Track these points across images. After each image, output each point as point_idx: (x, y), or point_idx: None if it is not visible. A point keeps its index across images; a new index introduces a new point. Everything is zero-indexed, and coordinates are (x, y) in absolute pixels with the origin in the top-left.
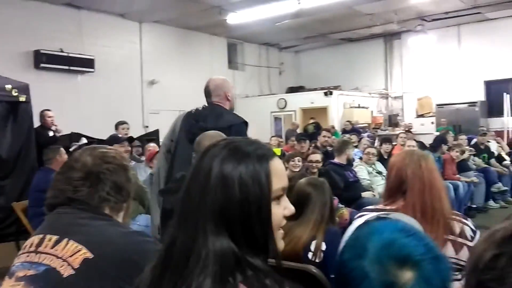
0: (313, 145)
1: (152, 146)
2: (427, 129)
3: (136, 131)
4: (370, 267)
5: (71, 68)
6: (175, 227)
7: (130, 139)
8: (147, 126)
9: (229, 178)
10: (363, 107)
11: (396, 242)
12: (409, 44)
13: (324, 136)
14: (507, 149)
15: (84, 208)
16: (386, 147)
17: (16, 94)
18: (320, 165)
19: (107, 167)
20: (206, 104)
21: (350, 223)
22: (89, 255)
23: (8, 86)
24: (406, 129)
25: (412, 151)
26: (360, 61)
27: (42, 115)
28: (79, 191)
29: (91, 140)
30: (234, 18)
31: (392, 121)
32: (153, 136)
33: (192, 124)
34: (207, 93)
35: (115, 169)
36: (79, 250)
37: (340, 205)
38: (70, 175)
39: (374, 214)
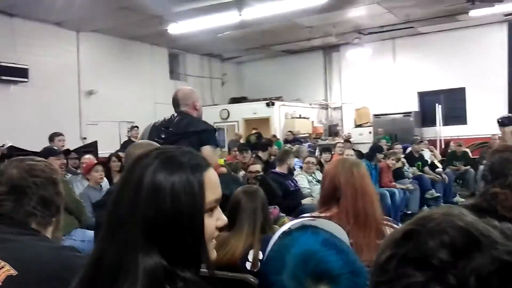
0: (254, 155)
1: (87, 158)
2: (365, 139)
3: (73, 143)
4: (288, 282)
5: (3, 77)
6: (103, 241)
7: (67, 152)
8: (85, 138)
9: (161, 189)
10: (304, 118)
11: (315, 256)
12: (347, 57)
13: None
14: (439, 157)
15: (8, 222)
16: (326, 156)
17: None
18: (259, 175)
19: (33, 181)
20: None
21: None
22: (13, 272)
23: None
24: (345, 139)
25: (344, 159)
26: (301, 72)
27: None
28: (3, 205)
29: (25, 153)
30: (175, 28)
31: (332, 130)
32: (90, 148)
33: (161, 131)
34: (175, 102)
35: (43, 183)
36: (2, 267)
37: (282, 214)
38: None
39: (297, 221)
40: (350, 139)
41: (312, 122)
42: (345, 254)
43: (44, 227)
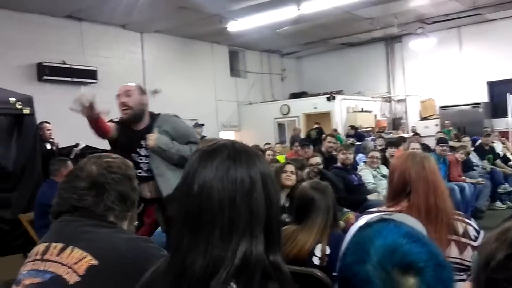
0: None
1: None
2: (431, 132)
3: None
4: (374, 272)
5: (74, 79)
6: (190, 235)
7: None
8: None
9: (268, 179)
10: (366, 111)
11: (400, 248)
12: (410, 47)
13: (329, 142)
14: None
15: (88, 215)
16: (391, 151)
17: (20, 106)
18: (320, 167)
19: (112, 177)
20: None
21: None
22: (94, 262)
23: (12, 99)
24: (413, 132)
25: (414, 153)
26: (361, 65)
27: (41, 128)
28: (84, 200)
29: (94, 150)
30: (234, 26)
31: (396, 124)
32: None
33: None
34: None
35: (120, 179)
36: (84, 257)
37: (346, 209)
38: (75, 184)
39: (376, 215)
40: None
41: (375, 115)
42: (429, 247)
43: (121, 221)
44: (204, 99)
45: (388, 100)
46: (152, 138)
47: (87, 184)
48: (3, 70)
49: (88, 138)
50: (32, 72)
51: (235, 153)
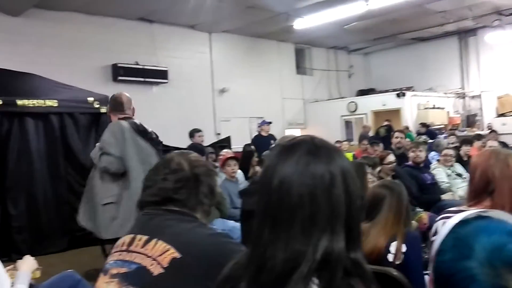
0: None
1: (225, 152)
2: (509, 129)
3: (208, 139)
4: (480, 269)
5: (146, 79)
6: (270, 228)
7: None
8: (219, 133)
9: (349, 174)
10: (438, 108)
11: (507, 246)
12: (486, 41)
13: (396, 137)
14: None
15: (172, 210)
16: (466, 149)
17: (97, 106)
18: (394, 165)
19: (203, 171)
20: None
21: (429, 227)
22: (177, 254)
23: (90, 99)
24: (489, 129)
25: (497, 150)
26: (433, 60)
27: None
28: (180, 192)
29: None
30: (301, 24)
31: (471, 121)
32: (225, 142)
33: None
34: (119, 106)
35: (209, 173)
36: (167, 250)
37: (418, 209)
38: (171, 176)
39: (472, 212)
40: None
41: (448, 112)
42: None
43: (206, 215)
44: (270, 98)
45: (462, 96)
46: None
47: (182, 176)
48: (82, 72)
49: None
50: (108, 73)
51: (315, 148)
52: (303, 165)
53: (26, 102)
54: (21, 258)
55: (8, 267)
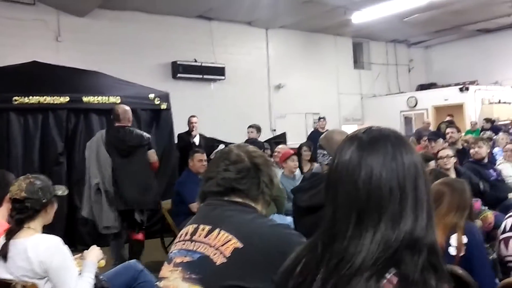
0: (446, 144)
1: (281, 147)
2: None
3: (264, 135)
4: None
5: (205, 76)
6: (356, 223)
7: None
8: (274, 130)
9: (418, 166)
10: (504, 103)
11: None
12: None
13: (447, 133)
14: None
15: (233, 201)
16: None
17: (158, 102)
18: (451, 160)
19: (262, 161)
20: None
21: (494, 227)
22: (239, 244)
23: (151, 95)
24: None
25: None
26: (499, 52)
27: (189, 121)
28: (242, 182)
29: (226, 144)
30: (359, 17)
31: None
32: (280, 139)
33: (119, 141)
34: (116, 116)
35: (267, 163)
36: (229, 240)
37: (483, 207)
38: (232, 166)
39: None
40: None
41: None
42: None
43: (267, 205)
44: (327, 93)
45: None
46: None
47: (244, 165)
48: (143, 69)
49: (216, 130)
50: (167, 70)
51: (397, 140)
52: (390, 158)
53: (91, 99)
54: (86, 249)
55: (76, 256)
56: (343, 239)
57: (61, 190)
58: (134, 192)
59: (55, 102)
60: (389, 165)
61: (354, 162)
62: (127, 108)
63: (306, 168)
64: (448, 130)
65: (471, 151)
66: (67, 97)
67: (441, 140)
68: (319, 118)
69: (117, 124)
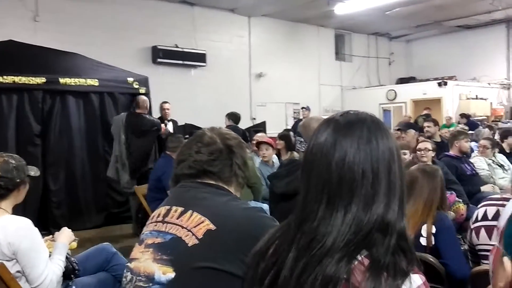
0: (420, 137)
1: (259, 136)
2: None
3: (244, 123)
4: None
5: (185, 62)
6: (327, 203)
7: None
8: (254, 118)
9: (395, 151)
10: (481, 99)
11: None
12: None
13: (424, 127)
14: None
15: (207, 183)
16: (510, 140)
17: (137, 86)
18: (429, 153)
19: (235, 143)
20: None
21: (466, 219)
22: (212, 226)
23: (130, 79)
24: None
25: None
26: (478, 49)
27: (161, 107)
28: (214, 164)
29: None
30: (342, 8)
31: None
32: (260, 127)
33: (135, 125)
34: (137, 104)
35: (240, 145)
36: (202, 222)
37: (457, 199)
38: (204, 148)
39: None
40: None
41: (491, 103)
42: None
43: (240, 189)
44: (308, 83)
45: (507, 87)
46: None
47: (216, 147)
48: (123, 52)
49: (195, 117)
50: (148, 54)
51: (374, 125)
52: (365, 141)
53: (68, 80)
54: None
55: (46, 237)
56: (314, 219)
57: (34, 171)
58: (139, 161)
59: (31, 83)
60: (363, 148)
61: (329, 144)
62: (146, 98)
63: (284, 157)
64: (425, 124)
65: (461, 143)
66: (43, 78)
67: (412, 131)
68: (302, 108)
69: (137, 111)
